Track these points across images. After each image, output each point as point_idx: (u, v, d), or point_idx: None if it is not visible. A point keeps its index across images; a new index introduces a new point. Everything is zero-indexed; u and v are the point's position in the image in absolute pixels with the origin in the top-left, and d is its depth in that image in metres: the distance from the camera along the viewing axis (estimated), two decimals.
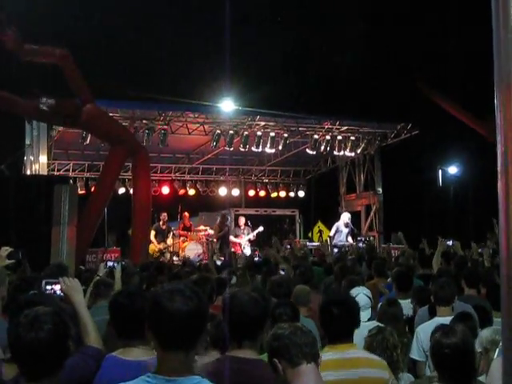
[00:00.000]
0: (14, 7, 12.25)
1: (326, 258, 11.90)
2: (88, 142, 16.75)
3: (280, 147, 19.05)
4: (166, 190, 22.23)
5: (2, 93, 12.96)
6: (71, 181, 18.71)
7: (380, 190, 21.44)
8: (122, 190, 20.51)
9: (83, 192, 19.58)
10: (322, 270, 9.51)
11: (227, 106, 17.06)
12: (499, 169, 1.80)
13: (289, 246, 14.57)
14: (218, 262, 12.65)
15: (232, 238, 18.74)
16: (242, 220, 19.13)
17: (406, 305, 6.29)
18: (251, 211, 21.55)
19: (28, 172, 17.04)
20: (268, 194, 24.14)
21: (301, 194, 24.13)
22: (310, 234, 21.38)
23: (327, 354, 3.90)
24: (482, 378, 3.96)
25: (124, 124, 16.85)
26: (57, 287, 4.00)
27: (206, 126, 18.54)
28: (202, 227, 19.64)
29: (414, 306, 6.30)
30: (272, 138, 18.64)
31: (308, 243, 18.60)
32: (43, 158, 16.36)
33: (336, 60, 17.43)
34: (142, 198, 15.40)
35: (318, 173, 23.96)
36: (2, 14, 12.25)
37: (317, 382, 2.97)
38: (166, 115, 17.66)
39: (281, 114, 17.73)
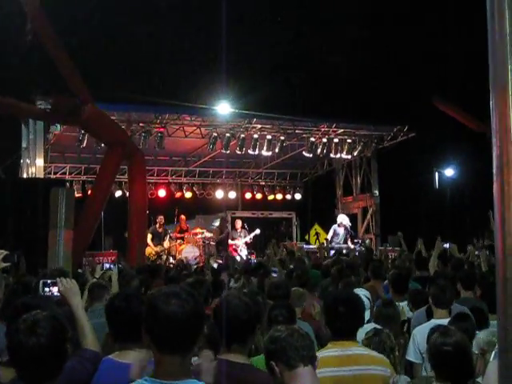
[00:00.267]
0: (14, 7, 12.22)
1: (321, 260, 11.90)
2: (84, 144, 16.74)
3: (276, 150, 19.05)
4: (162, 192, 22.22)
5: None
6: (68, 184, 18.72)
7: (377, 192, 21.47)
8: (118, 193, 20.52)
9: (80, 195, 19.54)
10: (318, 273, 9.51)
11: (224, 108, 17.07)
12: (494, 171, 1.81)
13: (285, 249, 14.57)
14: (215, 265, 12.64)
15: (229, 240, 18.74)
16: (238, 223, 19.12)
17: (404, 307, 6.30)
18: (248, 214, 21.57)
19: (24, 175, 17.04)
20: (265, 196, 24.15)
21: (297, 196, 24.15)
22: (306, 237, 21.37)
23: (330, 351, 3.93)
24: (479, 380, 3.97)
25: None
26: (54, 289, 3.98)
27: (202, 129, 18.55)
28: (198, 230, 19.62)
29: (410, 309, 6.31)
30: (268, 140, 18.66)
31: (305, 246, 18.60)
32: (40, 161, 16.35)
33: (333, 63, 17.45)
34: (139, 201, 15.40)
35: (315, 175, 23.98)
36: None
37: None
38: (162, 118, 17.67)
39: (277, 116, 17.76)
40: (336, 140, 19.43)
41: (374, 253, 15.18)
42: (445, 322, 4.95)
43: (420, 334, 5.14)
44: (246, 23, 17.61)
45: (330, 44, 17.07)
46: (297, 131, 19.16)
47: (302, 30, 18.05)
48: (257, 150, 18.73)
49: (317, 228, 21.30)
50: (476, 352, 4.09)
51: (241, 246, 18.46)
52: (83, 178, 21.24)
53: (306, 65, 19.38)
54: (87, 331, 3.53)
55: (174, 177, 23.00)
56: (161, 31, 17.20)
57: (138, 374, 2.73)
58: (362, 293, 5.69)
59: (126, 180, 18.08)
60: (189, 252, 18.11)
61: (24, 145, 17.29)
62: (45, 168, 17.31)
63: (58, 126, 16.66)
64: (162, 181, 22.61)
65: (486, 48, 1.86)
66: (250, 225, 19.16)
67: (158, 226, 18.04)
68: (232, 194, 23.84)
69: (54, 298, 4.02)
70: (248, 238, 18.64)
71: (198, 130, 18.55)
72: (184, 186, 22.93)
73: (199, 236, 19.15)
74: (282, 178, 24.55)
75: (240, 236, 18.69)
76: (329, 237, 17.95)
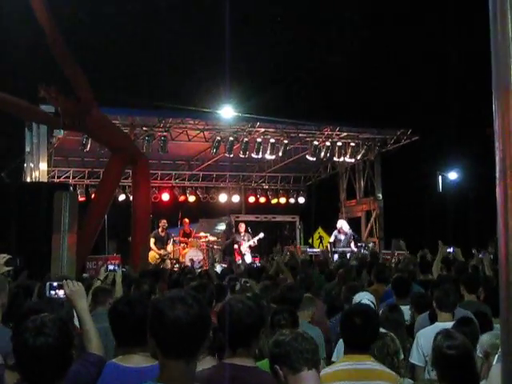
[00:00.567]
0: (13, 8, 12.24)
1: (328, 264, 11.91)
2: (88, 149, 16.77)
3: (280, 153, 19.04)
4: (166, 196, 22.24)
5: (4, 95, 12.94)
6: (71, 188, 18.72)
7: (380, 195, 21.44)
8: (122, 197, 20.52)
9: (83, 199, 19.58)
10: (323, 277, 9.51)
11: (227, 112, 17.08)
12: (497, 175, 1.80)
13: (289, 253, 14.54)
14: (219, 269, 12.64)
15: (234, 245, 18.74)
16: (242, 226, 19.10)
17: (405, 311, 6.28)
18: (251, 218, 21.56)
19: (28, 179, 17.03)
20: (268, 200, 24.14)
21: (301, 200, 24.13)
22: (310, 241, 21.37)
23: (343, 364, 3.93)
24: (482, 383, 3.96)
25: (124, 131, 16.86)
26: (60, 292, 3.96)
27: (206, 133, 18.56)
28: (202, 234, 19.63)
29: (413, 313, 6.29)
30: (272, 144, 18.65)
31: (308, 249, 18.59)
32: (43, 165, 16.34)
33: (336, 66, 17.47)
34: (142, 205, 15.38)
35: (318, 179, 23.96)
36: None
37: None
38: (165, 122, 17.67)
39: (281, 120, 17.75)
40: (339, 143, 19.40)
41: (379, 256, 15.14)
42: (449, 325, 4.93)
43: (424, 336, 5.13)
44: (250, 28, 17.66)
45: (330, 48, 17.09)
46: (300, 135, 19.15)
47: (304, 36, 18.07)
48: (260, 153, 18.72)
49: (320, 232, 21.30)
50: (480, 355, 4.08)
51: (244, 250, 18.45)
52: (87, 181, 21.28)
53: (309, 69, 19.41)
54: (92, 335, 3.50)
55: (177, 181, 23.01)
56: (164, 37, 17.25)
57: None
58: (366, 297, 5.67)
59: (130, 184, 18.08)
60: (192, 256, 18.09)
61: (27, 149, 17.29)
62: (48, 172, 17.33)
63: (62, 130, 16.68)
64: (165, 185, 22.62)
65: (486, 48, 1.86)
66: (253, 228, 19.15)
67: (160, 229, 18.01)
68: (235, 198, 23.84)
69: (59, 300, 4.00)
70: (252, 242, 18.61)
71: (202, 133, 18.55)
72: (187, 190, 22.93)
73: (203, 240, 19.15)
74: (286, 181, 24.54)
75: (244, 240, 18.67)
76: (331, 241, 17.96)
